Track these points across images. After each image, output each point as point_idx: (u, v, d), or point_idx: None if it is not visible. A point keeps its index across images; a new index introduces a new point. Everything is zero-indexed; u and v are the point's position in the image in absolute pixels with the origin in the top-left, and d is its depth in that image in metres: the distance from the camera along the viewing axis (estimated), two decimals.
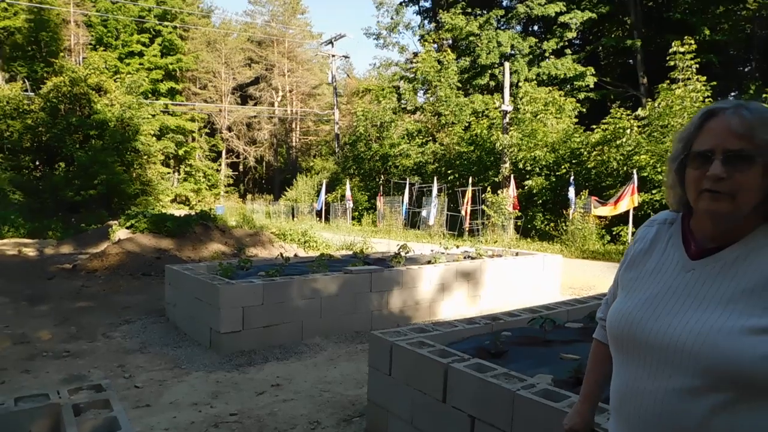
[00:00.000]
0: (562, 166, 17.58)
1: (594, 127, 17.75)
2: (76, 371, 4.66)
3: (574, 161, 17.49)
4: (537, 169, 18.46)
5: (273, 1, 52.05)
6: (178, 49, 43.04)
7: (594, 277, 9.96)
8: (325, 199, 26.60)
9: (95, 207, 19.93)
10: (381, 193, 24.08)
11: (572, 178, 15.98)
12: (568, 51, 25.64)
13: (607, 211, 14.30)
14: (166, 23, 41.84)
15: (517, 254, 8.22)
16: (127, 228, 12.07)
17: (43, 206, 19.17)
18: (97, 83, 22.88)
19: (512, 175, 18.33)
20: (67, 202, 19.62)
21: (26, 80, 31.55)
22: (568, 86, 24.42)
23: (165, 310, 6.62)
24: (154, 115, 32.60)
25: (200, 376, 4.54)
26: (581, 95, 24.16)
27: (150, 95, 37.81)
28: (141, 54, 41.08)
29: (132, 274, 9.53)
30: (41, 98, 22.01)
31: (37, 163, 21.95)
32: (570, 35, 25.39)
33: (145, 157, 24.32)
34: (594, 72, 24.40)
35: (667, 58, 16.53)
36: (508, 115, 19.57)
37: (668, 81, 16.34)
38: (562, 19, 24.90)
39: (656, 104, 16.35)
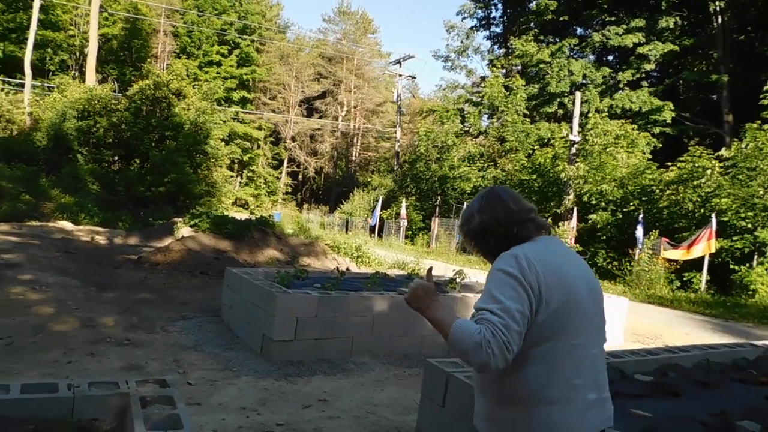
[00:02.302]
0: (631, 203, 16.88)
1: (669, 164, 16.97)
2: (135, 361, 4.81)
3: (644, 198, 16.76)
4: (603, 203, 17.85)
5: (346, 20, 53.36)
6: (253, 60, 44.71)
7: (661, 325, 9.36)
8: (380, 215, 26.71)
9: (163, 203, 20.84)
10: (437, 215, 23.96)
11: (641, 216, 15.32)
12: (644, 83, 24.76)
13: (678, 254, 13.52)
14: (245, 36, 43.61)
15: None
16: (191, 226, 12.48)
17: (116, 198, 20.24)
18: (177, 88, 24.07)
19: (575, 208, 17.82)
20: (138, 196, 20.62)
21: (116, 82, 33.50)
22: (643, 120, 23.56)
23: (220, 311, 6.76)
24: (225, 121, 33.90)
25: (249, 381, 4.58)
26: (656, 130, 23.12)
27: (223, 102, 39.37)
28: (219, 64, 42.91)
29: (191, 271, 9.83)
30: (127, 99, 23.37)
31: (116, 158, 23.21)
32: (648, 67, 24.52)
33: (213, 160, 25.28)
34: (672, 107, 23.39)
35: (761, 96, 15.66)
36: (575, 146, 19.12)
37: (759, 121, 15.47)
38: (640, 50, 24.14)
39: (744, 145, 15.42)
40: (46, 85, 30.77)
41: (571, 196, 18.93)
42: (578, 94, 19.80)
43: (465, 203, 22.10)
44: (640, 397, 3.25)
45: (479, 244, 1.86)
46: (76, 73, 36.11)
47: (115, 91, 26.04)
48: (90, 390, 2.15)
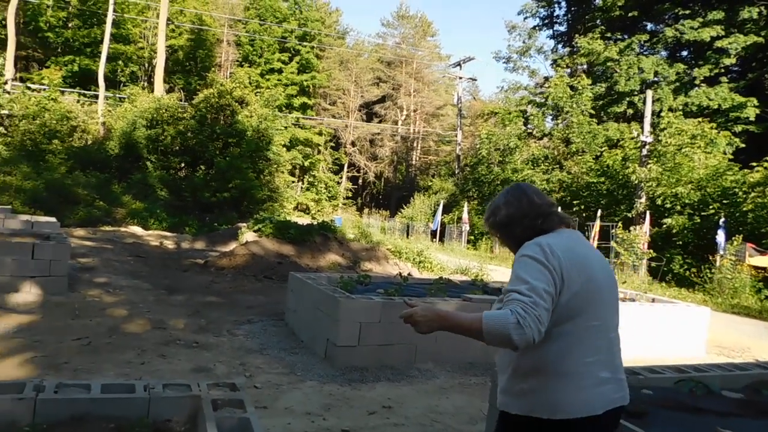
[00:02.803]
0: (711, 206, 15.87)
1: (754, 164, 15.91)
2: (203, 363, 4.90)
3: (725, 201, 15.74)
4: (678, 207, 16.89)
5: (405, 24, 53.45)
6: (313, 67, 45.52)
7: (747, 337, 8.71)
8: (442, 219, 26.45)
9: (227, 209, 21.45)
10: None
11: (722, 220, 14.39)
12: (723, 79, 23.19)
13: (766, 261, 12.64)
14: (305, 43, 44.49)
15: (653, 300, 7.48)
16: (254, 231, 12.75)
17: (183, 204, 21.01)
18: (240, 96, 24.79)
19: (648, 212, 16.97)
20: (203, 202, 21.33)
21: (182, 91, 34.97)
22: (722, 118, 22.14)
23: (284, 315, 6.82)
24: (286, 128, 34.62)
25: (314, 386, 4.57)
26: (738, 128, 21.58)
27: (284, 109, 40.26)
28: (280, 71, 43.95)
29: (255, 275, 10.01)
30: (193, 107, 24.27)
31: (183, 164, 24.12)
32: (728, 61, 22.91)
33: (275, 165, 25.84)
34: (757, 103, 21.75)
35: None
36: (647, 147, 18.22)
37: None
38: (718, 44, 22.67)
39: None
40: (117, 96, 32.42)
41: (643, 200, 18.04)
42: (649, 92, 18.86)
43: None
44: (729, 415, 2.97)
45: (504, 234, 2.03)
46: (145, 84, 37.89)
47: (181, 100, 27.12)
48: (164, 391, 2.25)
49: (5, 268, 6.63)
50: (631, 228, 16.84)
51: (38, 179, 17.98)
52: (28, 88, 26.57)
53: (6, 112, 22.73)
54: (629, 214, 18.54)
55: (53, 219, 11.08)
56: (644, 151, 18.28)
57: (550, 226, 1.93)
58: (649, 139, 18.13)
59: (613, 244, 16.39)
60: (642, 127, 18.40)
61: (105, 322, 5.95)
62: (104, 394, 2.17)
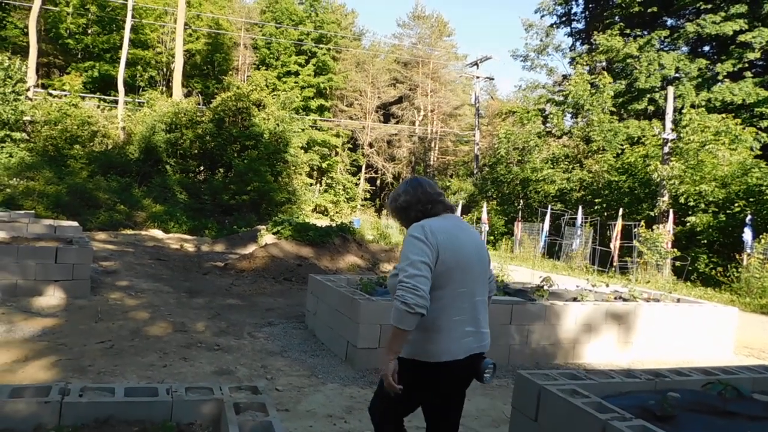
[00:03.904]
0: (736, 204, 15.54)
1: None
2: (225, 366, 4.91)
3: (751, 199, 15.40)
4: (702, 204, 16.56)
5: (421, 24, 53.34)
6: (330, 69, 45.66)
7: None
8: None
9: (246, 211, 21.59)
10: (519, 219, 23.29)
11: (749, 218, 14.06)
12: (748, 74, 22.70)
13: None
14: (321, 45, 44.65)
15: (678, 300, 7.33)
16: (273, 234, 12.79)
17: (203, 207, 21.19)
18: (257, 99, 24.95)
19: (671, 210, 16.67)
20: (223, 204, 21.49)
21: (200, 95, 35.32)
22: (748, 113, 21.67)
23: (305, 317, 6.81)
24: (303, 130, 34.78)
25: (335, 388, 4.55)
26: (764, 123, 21.14)
27: (301, 111, 40.44)
28: (297, 73, 44.15)
29: (275, 277, 10.03)
30: (211, 111, 24.50)
31: (202, 168, 24.35)
32: (752, 56, 22.41)
33: (293, 167, 25.95)
34: None
35: None
36: (669, 144, 17.89)
37: None
38: (742, 38, 22.21)
39: None
40: (137, 100, 32.85)
41: (666, 198, 17.71)
42: (671, 88, 18.50)
43: (550, 207, 21.33)
44: (761, 419, 2.87)
45: (402, 216, 2.57)
46: (164, 88, 38.33)
47: (199, 104, 27.36)
48: (187, 394, 2.25)
49: (29, 271, 6.73)
50: (654, 227, 16.55)
51: (60, 184, 18.27)
52: (50, 94, 27.10)
53: (28, 118, 23.20)
54: (652, 213, 18.22)
55: (75, 223, 11.23)
56: (666, 149, 17.95)
57: (437, 211, 2.48)
58: (671, 136, 17.79)
59: (635, 243, 16.12)
60: (663, 124, 18.07)
61: (127, 325, 6.00)
62: (128, 397, 2.18)
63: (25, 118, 23.09)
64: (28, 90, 24.63)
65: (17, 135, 22.35)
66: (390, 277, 2.46)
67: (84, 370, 4.53)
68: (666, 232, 15.78)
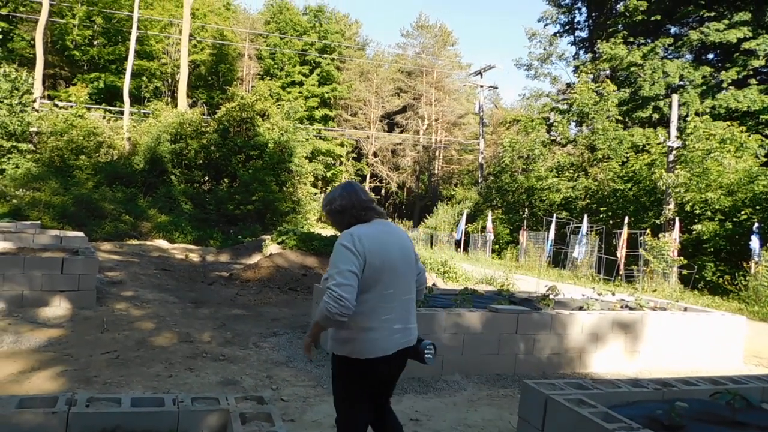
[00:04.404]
0: (743, 212, 15.44)
1: None
2: (230, 376, 4.90)
3: (758, 207, 15.31)
4: (709, 212, 16.46)
5: (424, 33, 53.62)
6: (334, 79, 45.92)
7: None
8: (465, 229, 26.29)
9: (251, 221, 21.61)
10: (524, 228, 23.24)
11: (756, 225, 13.95)
12: (753, 81, 22.67)
13: None
14: (325, 55, 44.92)
15: (685, 309, 7.28)
16: (278, 243, 12.80)
17: (208, 217, 21.22)
18: (261, 109, 25.05)
19: (677, 218, 16.60)
20: (228, 214, 21.52)
21: (204, 105, 35.55)
22: (753, 121, 21.60)
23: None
24: (307, 139, 34.87)
25: None
26: None
27: (306, 120, 40.60)
28: (301, 83, 44.41)
29: (280, 287, 10.03)
30: (215, 121, 24.61)
31: (207, 178, 24.42)
32: (756, 63, 22.37)
33: (297, 177, 25.99)
34: None
35: None
36: (674, 152, 17.84)
37: None
38: (746, 45, 22.19)
39: None
40: (142, 111, 33.05)
41: (672, 206, 17.63)
42: (675, 96, 18.46)
43: (555, 215, 21.28)
44: None
45: (337, 219, 2.70)
46: (169, 99, 38.60)
47: (204, 115, 27.51)
48: (193, 405, 2.26)
49: (36, 282, 6.76)
50: (660, 235, 16.46)
51: (66, 194, 18.35)
52: (56, 105, 27.28)
53: (35, 129, 23.37)
54: (658, 221, 18.14)
55: (81, 233, 11.28)
56: (671, 156, 17.90)
57: (370, 218, 2.64)
58: (676, 144, 17.74)
59: (641, 251, 16.03)
60: (668, 132, 18.03)
61: (133, 335, 6.01)
62: (134, 407, 2.19)
63: (31, 129, 23.27)
64: (34, 101, 24.83)
65: (24, 146, 22.52)
66: (323, 281, 2.68)
67: (90, 380, 4.53)
68: (672, 240, 15.68)
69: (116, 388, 4.38)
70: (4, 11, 33.00)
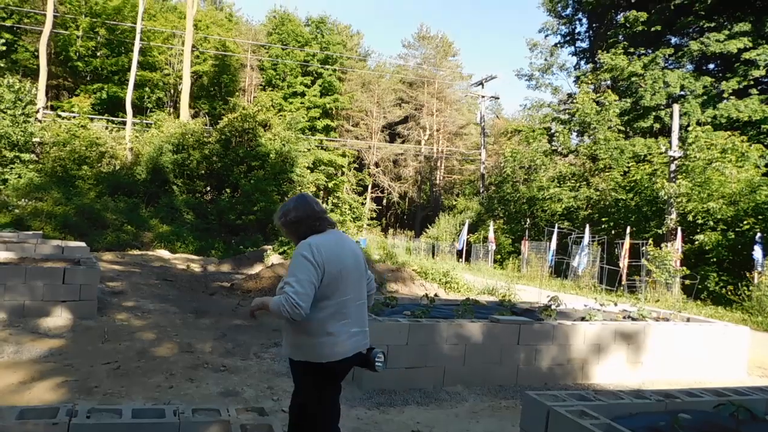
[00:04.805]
0: (745, 222, 15.41)
1: None
2: (231, 387, 4.88)
3: (760, 217, 15.28)
4: (711, 222, 16.45)
5: (426, 44, 53.86)
6: (336, 89, 46.07)
7: None
8: (467, 239, 26.26)
9: (252, 231, 21.60)
10: (526, 238, 23.21)
11: (759, 235, 13.92)
12: (753, 91, 22.70)
13: None
14: (327, 66, 45.11)
15: (688, 319, 7.25)
16: (280, 254, 12.80)
17: (209, 227, 21.21)
18: (263, 120, 25.13)
19: (679, 228, 16.57)
20: (229, 224, 21.51)
21: (207, 116, 35.66)
22: (754, 130, 21.62)
23: None
24: (309, 150, 34.94)
25: (342, 409, 4.46)
26: None
27: (307, 131, 40.69)
28: (303, 94, 44.55)
29: None
30: (217, 132, 24.67)
31: (208, 188, 24.45)
32: (757, 73, 22.44)
33: (299, 188, 25.98)
34: None
35: None
36: (675, 162, 17.85)
37: None
38: (746, 55, 22.29)
39: None
40: (144, 121, 33.18)
41: (674, 216, 17.60)
42: (676, 106, 18.50)
43: (557, 226, 21.26)
44: None
45: (292, 230, 2.84)
46: (171, 110, 38.75)
47: (206, 125, 27.60)
48: (194, 416, 2.29)
49: (37, 292, 6.75)
50: (663, 245, 16.43)
51: (68, 205, 18.37)
52: (59, 116, 27.43)
53: (37, 139, 23.45)
54: (660, 231, 18.11)
55: (83, 244, 11.28)
56: (673, 166, 17.91)
57: (323, 228, 2.79)
58: (678, 154, 17.75)
59: (644, 261, 15.99)
60: (670, 142, 18.05)
61: (134, 345, 5.99)
62: (135, 419, 2.20)
63: (34, 140, 23.36)
64: (37, 112, 24.95)
65: (26, 156, 22.58)
66: (278, 289, 2.72)
67: (91, 391, 4.52)
68: (674, 250, 15.65)
69: (117, 398, 4.37)
70: (8, 23, 33.25)
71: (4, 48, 24.03)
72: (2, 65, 23.67)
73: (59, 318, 6.77)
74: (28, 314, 6.67)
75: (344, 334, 2.69)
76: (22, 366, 5.06)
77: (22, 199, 18.79)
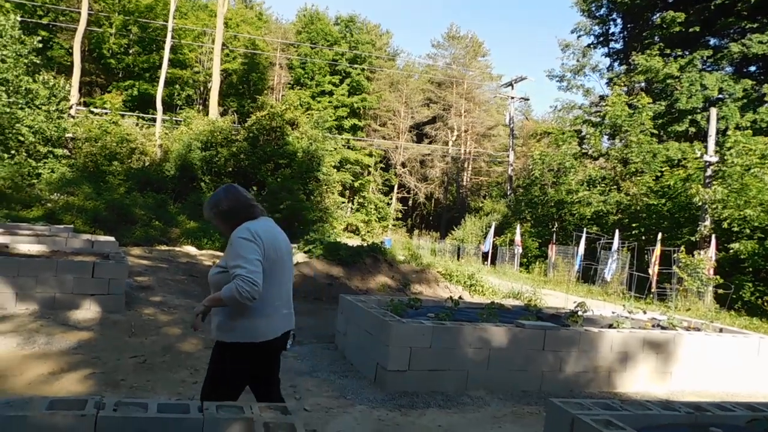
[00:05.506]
0: None
1: None
2: None
3: None
4: (747, 230, 15.93)
5: (455, 44, 53.59)
6: (364, 89, 46.19)
7: None
8: (493, 242, 26.02)
9: None
10: (554, 242, 22.89)
11: None
12: None
13: None
14: (355, 66, 45.25)
15: (721, 330, 7.03)
16: (305, 252, 12.81)
17: None
18: (291, 118, 25.31)
19: (713, 236, 16.13)
20: None
21: (235, 114, 36.15)
22: None
23: (334, 337, 6.78)
24: (336, 149, 35.10)
25: (364, 410, 4.49)
26: None
27: (334, 130, 40.90)
28: (331, 93, 44.80)
29: (305, 296, 10.03)
30: (245, 130, 24.95)
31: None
32: None
33: (325, 186, 26.12)
34: None
35: None
36: (711, 167, 17.36)
37: None
38: None
39: None
40: (174, 118, 33.74)
41: (708, 222, 17.13)
42: (713, 110, 17.97)
43: (585, 230, 20.91)
44: None
45: (225, 220, 2.91)
46: (200, 107, 39.36)
47: (234, 123, 27.92)
48: (217, 412, 2.26)
49: (67, 285, 6.90)
50: (695, 252, 16.01)
51: (99, 199, 18.74)
52: (91, 112, 28.06)
53: (70, 135, 24.02)
54: (693, 238, 17.64)
55: (112, 238, 11.49)
56: (709, 172, 17.42)
57: (256, 214, 2.91)
58: (714, 159, 17.25)
59: (675, 269, 15.60)
60: (706, 147, 17.57)
61: (160, 340, 6.07)
62: (160, 413, 2.21)
63: (67, 135, 23.93)
64: (70, 108, 25.57)
65: (59, 151, 23.15)
66: (213, 275, 2.86)
67: (117, 384, 4.59)
68: (708, 258, 15.23)
69: (142, 392, 4.43)
70: (44, 20, 34.22)
71: (40, 45, 24.66)
72: (38, 62, 24.26)
73: (88, 311, 6.91)
74: (59, 306, 6.82)
75: (279, 314, 2.85)
76: (52, 357, 5.17)
77: (55, 193, 19.24)
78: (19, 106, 21.76)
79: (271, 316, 2.82)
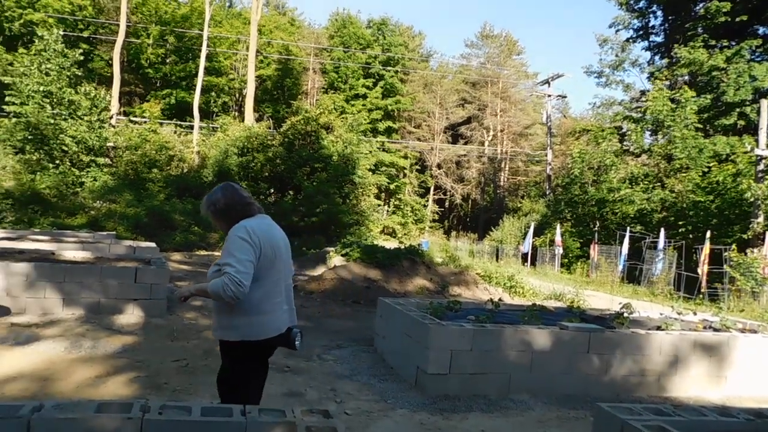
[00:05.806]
0: None
1: None
2: (295, 388, 4.90)
3: None
4: None
5: (489, 43, 53.08)
6: (397, 91, 46.17)
7: None
8: (532, 242, 25.58)
9: (315, 233, 21.91)
10: (595, 241, 22.34)
11: None
12: None
13: None
14: (389, 68, 45.28)
15: None
16: (342, 256, 12.86)
17: None
18: (325, 122, 25.50)
19: (767, 233, 15.45)
20: (292, 226, 21.91)
21: (270, 119, 36.66)
22: None
23: (373, 340, 6.73)
24: (371, 152, 35.17)
25: (404, 414, 4.43)
26: None
27: (369, 133, 40.99)
28: (365, 96, 44.94)
29: (343, 300, 10.04)
30: (281, 135, 25.27)
31: (272, 190, 25.05)
32: None
33: (361, 189, 26.19)
34: None
35: None
36: (763, 161, 16.65)
37: None
38: None
39: None
40: (211, 125, 34.43)
41: (761, 219, 16.42)
42: (764, 101, 17.20)
43: (629, 229, 20.34)
44: None
45: (222, 218, 2.93)
46: (236, 113, 40.06)
47: (270, 128, 28.28)
48: (260, 416, 2.28)
49: (111, 290, 7.07)
50: (748, 251, 15.34)
51: (139, 206, 19.24)
52: (131, 121, 28.90)
53: (111, 144, 24.78)
54: (745, 236, 16.94)
55: (153, 244, 11.75)
56: (761, 166, 16.70)
57: (253, 212, 2.92)
58: (766, 153, 16.55)
59: (726, 268, 14.97)
60: (757, 140, 16.85)
61: (201, 344, 6.14)
62: (204, 417, 2.24)
63: (108, 144, 24.71)
64: (111, 117, 26.39)
65: (101, 160, 23.91)
66: (211, 273, 2.84)
67: (160, 387, 4.65)
68: (762, 256, 14.56)
69: (185, 395, 4.47)
70: (85, 33, 35.45)
71: (81, 58, 25.54)
72: (80, 74, 25.13)
73: (131, 315, 7.06)
74: (103, 311, 6.99)
75: (278, 312, 2.87)
76: (98, 361, 5.28)
77: (97, 201, 19.83)
78: (63, 117, 22.58)
79: (272, 313, 2.84)
